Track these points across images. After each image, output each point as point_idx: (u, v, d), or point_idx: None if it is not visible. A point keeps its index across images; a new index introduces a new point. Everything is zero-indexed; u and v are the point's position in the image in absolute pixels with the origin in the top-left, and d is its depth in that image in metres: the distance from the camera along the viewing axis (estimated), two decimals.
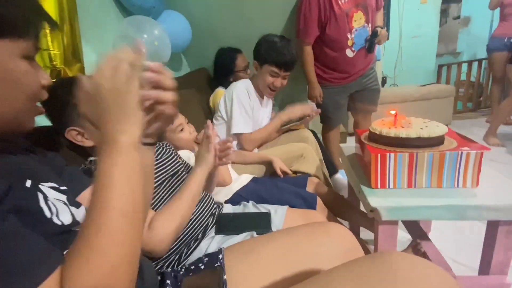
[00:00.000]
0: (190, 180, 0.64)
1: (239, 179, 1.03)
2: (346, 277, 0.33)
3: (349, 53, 1.40)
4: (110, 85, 0.31)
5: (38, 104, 0.39)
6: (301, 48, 1.39)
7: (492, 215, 0.64)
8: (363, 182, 0.76)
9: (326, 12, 1.31)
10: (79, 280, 0.26)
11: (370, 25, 1.40)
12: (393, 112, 0.78)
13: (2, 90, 0.32)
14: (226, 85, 1.49)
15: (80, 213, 0.40)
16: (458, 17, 3.82)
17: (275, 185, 0.97)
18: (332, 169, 1.40)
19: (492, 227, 0.68)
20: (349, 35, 1.36)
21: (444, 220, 0.98)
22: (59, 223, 0.36)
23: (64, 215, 0.37)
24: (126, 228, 0.29)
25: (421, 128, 0.72)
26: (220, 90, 1.52)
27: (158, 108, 0.36)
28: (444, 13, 4.24)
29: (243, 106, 1.17)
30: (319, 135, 1.58)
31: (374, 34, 1.38)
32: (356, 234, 1.05)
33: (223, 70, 1.56)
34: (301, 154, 1.12)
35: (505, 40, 2.33)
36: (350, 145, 1.05)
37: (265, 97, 1.32)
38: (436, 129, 0.72)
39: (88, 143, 0.61)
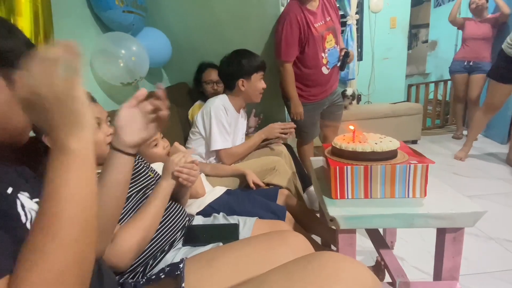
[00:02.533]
0: (155, 194, 0.66)
1: (213, 191, 1.05)
2: (280, 276, 0.36)
3: (324, 70, 1.54)
4: (48, 93, 0.28)
5: None
6: (282, 67, 1.48)
7: (438, 223, 0.70)
8: (326, 193, 0.81)
9: (305, 33, 1.43)
10: (26, 285, 0.26)
11: (338, 46, 1.57)
12: (351, 127, 0.85)
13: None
14: (202, 98, 1.56)
15: None
16: (426, 41, 4.16)
17: (247, 197, 1.00)
18: (307, 182, 1.45)
19: (441, 234, 0.74)
20: (323, 55, 1.51)
21: (395, 227, 1.04)
22: None
23: None
24: (75, 235, 0.29)
25: (376, 143, 0.78)
26: (198, 104, 1.56)
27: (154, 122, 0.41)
28: (414, 37, 4.60)
29: (221, 123, 1.22)
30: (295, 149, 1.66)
31: (346, 54, 1.56)
32: (329, 247, 1.09)
33: (195, 82, 1.70)
34: (273, 167, 1.16)
35: (465, 63, 2.56)
36: (319, 159, 1.11)
37: (241, 110, 1.38)
38: (389, 144, 0.78)
39: None
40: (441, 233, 0.74)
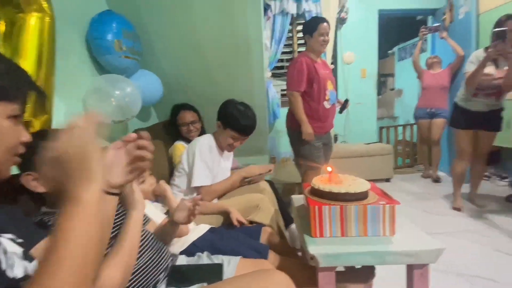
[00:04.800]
0: (127, 226, 0.64)
1: (197, 229, 1.07)
2: None
3: (326, 105, 1.80)
4: (75, 154, 0.34)
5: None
6: (293, 96, 1.74)
7: (406, 260, 0.77)
8: (306, 232, 0.87)
9: (313, 73, 1.72)
10: None
11: (335, 90, 1.88)
12: (329, 169, 0.94)
13: None
14: (182, 139, 1.61)
15: (32, 267, 0.41)
16: (393, 89, 4.66)
17: (231, 236, 1.02)
18: (289, 219, 1.49)
19: (410, 271, 0.81)
20: (326, 92, 1.78)
21: (370, 264, 1.08)
22: (11, 276, 0.37)
23: (18, 269, 0.38)
24: (76, 275, 0.30)
25: (350, 185, 0.87)
26: (177, 144, 1.61)
27: (138, 164, 0.43)
28: (383, 84, 5.15)
29: (205, 161, 1.27)
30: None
31: (346, 101, 1.98)
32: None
33: (171, 124, 1.73)
34: (257, 204, 1.21)
35: (427, 110, 2.89)
36: (300, 197, 1.18)
37: (225, 151, 1.45)
38: (361, 185, 0.88)
39: (40, 189, 0.62)
40: (410, 269, 0.81)
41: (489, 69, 1.72)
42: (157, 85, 1.64)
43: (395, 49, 4.96)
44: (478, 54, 1.81)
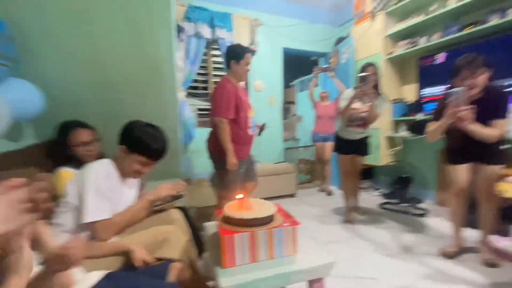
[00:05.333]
0: None
1: (86, 279, 0.87)
2: None
3: (249, 132, 1.88)
4: None
5: None
6: (222, 124, 1.72)
7: (307, 277, 0.85)
8: (218, 263, 0.84)
9: (238, 101, 1.77)
10: None
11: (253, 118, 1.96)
12: (240, 196, 0.96)
13: None
14: (71, 164, 1.34)
15: None
16: (295, 115, 5.35)
17: (131, 281, 0.88)
18: (203, 246, 1.42)
19: (310, 285, 0.90)
20: (249, 120, 1.85)
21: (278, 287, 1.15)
22: None
23: None
24: None
25: (258, 210, 0.92)
26: (62, 171, 1.30)
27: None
28: (287, 110, 5.85)
29: (100, 190, 1.06)
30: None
31: (264, 125, 2.14)
32: None
33: (57, 145, 1.39)
34: (164, 238, 1.10)
35: (321, 135, 3.43)
36: (214, 223, 1.15)
37: (128, 179, 1.27)
38: (268, 209, 0.93)
39: None
40: (311, 284, 0.90)
41: (357, 105, 2.10)
42: (34, 97, 1.31)
43: (296, 81, 5.77)
44: (348, 92, 2.17)
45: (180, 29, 2.85)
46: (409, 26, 2.74)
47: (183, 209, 1.43)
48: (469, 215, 1.77)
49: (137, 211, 1.19)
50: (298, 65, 5.45)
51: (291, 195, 3.29)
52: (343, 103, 2.13)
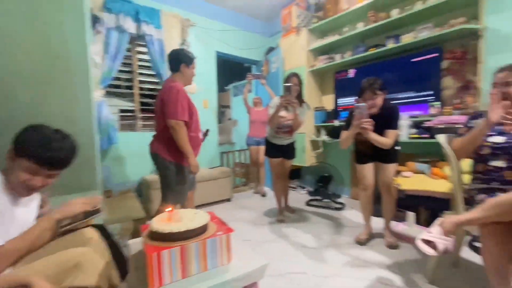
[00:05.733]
0: None
1: None
2: None
3: (200, 136, 1.90)
4: None
5: None
6: (179, 126, 1.64)
7: (241, 284, 0.85)
8: (144, 284, 0.75)
9: (190, 104, 1.74)
10: None
11: None
12: (169, 209, 0.90)
13: None
14: None
15: None
16: (230, 119, 5.40)
17: None
18: (127, 267, 1.26)
19: None
20: (199, 124, 1.88)
21: None
22: None
23: None
24: None
25: (190, 220, 0.87)
26: None
27: None
28: (222, 114, 5.84)
29: None
30: None
31: (207, 130, 2.27)
32: None
33: None
34: (76, 263, 0.92)
35: (255, 138, 3.54)
36: (139, 241, 1.03)
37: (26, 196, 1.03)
38: (201, 219, 0.90)
39: None
40: None
41: (283, 113, 2.21)
42: None
43: (231, 86, 5.83)
44: (275, 101, 2.24)
45: (95, 19, 2.52)
46: (327, 44, 3.11)
47: (100, 227, 1.24)
48: (375, 206, 2.10)
49: (38, 233, 0.96)
50: (232, 70, 5.53)
51: (228, 200, 3.29)
52: (271, 111, 2.24)
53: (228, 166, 3.88)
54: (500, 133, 1.28)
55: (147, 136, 3.05)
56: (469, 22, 2.10)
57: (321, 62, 3.21)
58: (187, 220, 0.86)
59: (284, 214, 2.58)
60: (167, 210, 0.87)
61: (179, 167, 1.74)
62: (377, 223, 2.19)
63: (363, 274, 1.60)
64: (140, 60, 3.04)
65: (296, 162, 3.17)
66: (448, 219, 1.18)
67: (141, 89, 3.08)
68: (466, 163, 1.46)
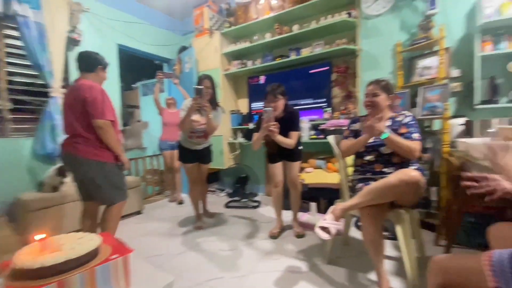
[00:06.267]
0: None
1: None
2: None
3: (120, 137, 1.80)
4: None
5: None
6: (108, 126, 1.61)
7: None
8: None
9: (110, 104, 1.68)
10: None
11: None
12: (41, 236, 0.71)
13: None
14: None
15: None
16: (140, 121, 4.88)
17: None
18: None
19: None
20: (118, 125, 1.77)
21: None
22: None
23: None
24: None
25: (72, 247, 0.71)
26: None
27: None
28: (130, 115, 5.22)
29: None
30: None
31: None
32: None
33: None
34: None
35: (169, 142, 3.31)
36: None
37: None
38: (89, 243, 0.75)
39: None
40: None
41: (196, 117, 2.12)
42: None
43: (139, 84, 5.29)
44: (187, 103, 2.13)
45: None
46: (239, 49, 3.22)
47: None
48: (286, 200, 2.31)
49: None
50: (141, 67, 5.02)
51: (138, 212, 2.95)
52: (182, 114, 2.13)
53: (138, 175, 3.49)
54: None
55: (22, 143, 2.41)
56: (349, 43, 2.58)
57: (235, 67, 3.30)
58: (68, 248, 0.70)
59: (202, 220, 2.51)
60: (37, 238, 0.68)
61: (112, 165, 1.71)
62: (288, 216, 2.40)
63: (275, 266, 1.72)
64: (9, 46, 2.38)
65: (214, 165, 3.14)
66: (337, 206, 1.40)
67: (11, 83, 2.40)
68: (350, 158, 1.77)
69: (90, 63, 1.72)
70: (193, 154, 2.32)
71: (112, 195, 1.72)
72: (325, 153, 2.75)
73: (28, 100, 2.51)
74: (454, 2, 2.19)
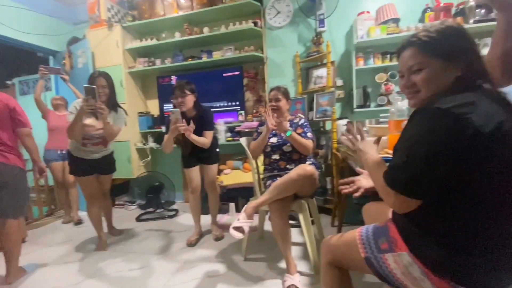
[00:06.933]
0: None
1: None
2: None
3: None
4: None
5: None
6: (30, 133, 1.77)
7: None
8: None
9: None
10: None
11: None
12: None
13: None
14: None
15: None
16: None
17: None
18: None
19: None
20: None
21: None
22: None
23: None
24: None
25: None
26: None
27: None
28: None
29: None
30: None
31: None
32: None
33: None
34: None
35: (58, 152, 2.74)
36: None
37: None
38: None
39: None
40: None
41: (90, 121, 1.84)
42: None
43: (16, 80, 4.21)
44: (76, 105, 1.82)
45: None
46: (145, 46, 2.97)
47: None
48: (204, 204, 2.27)
49: None
50: (19, 60, 4.00)
51: (23, 241, 2.31)
52: (71, 118, 1.79)
53: None
54: (275, 135, 1.77)
55: None
56: (257, 51, 2.76)
57: (141, 65, 3.03)
58: None
59: (105, 240, 2.17)
60: None
61: (24, 172, 1.78)
62: (208, 220, 2.37)
63: (193, 274, 1.67)
64: None
65: (120, 175, 2.79)
66: (249, 205, 1.47)
67: None
68: (261, 158, 1.90)
69: None
70: (89, 165, 1.98)
71: (21, 206, 1.78)
72: (242, 154, 2.86)
73: None
74: (337, 22, 2.65)
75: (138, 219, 2.77)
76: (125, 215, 2.95)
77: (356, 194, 1.00)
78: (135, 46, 2.98)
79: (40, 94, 2.70)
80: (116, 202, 3.31)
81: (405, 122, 0.72)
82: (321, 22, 2.58)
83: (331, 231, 2.09)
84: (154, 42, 2.94)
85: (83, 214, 2.91)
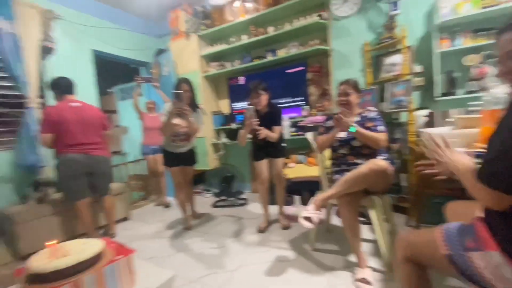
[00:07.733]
0: None
1: None
2: None
3: None
4: None
5: None
6: None
7: None
8: None
9: None
10: None
11: None
12: (52, 243, 0.76)
13: None
14: None
15: None
16: (118, 126, 4.78)
17: None
18: None
19: None
20: None
21: None
22: None
23: None
24: None
25: (80, 251, 0.77)
26: None
27: None
28: (108, 120, 5.08)
29: None
30: None
31: None
32: None
33: None
34: None
35: (151, 147, 3.31)
36: None
37: None
38: (94, 247, 0.81)
39: None
40: None
41: (177, 121, 2.16)
42: None
43: (116, 88, 5.17)
44: (167, 108, 2.15)
45: None
46: (217, 51, 3.28)
47: None
48: (271, 196, 2.43)
49: None
50: (116, 72, 4.91)
51: (125, 219, 2.94)
52: (163, 119, 2.16)
53: (121, 181, 3.45)
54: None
55: (1, 156, 2.32)
56: (321, 44, 2.73)
57: (214, 69, 3.36)
58: (75, 253, 0.76)
59: (190, 222, 2.56)
60: (49, 244, 0.74)
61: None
62: (274, 210, 2.52)
63: (265, 258, 1.83)
64: None
65: (199, 166, 3.19)
66: (317, 197, 1.53)
67: None
68: (328, 152, 1.92)
69: (71, 86, 2.24)
70: (177, 157, 2.37)
71: (109, 187, 2.47)
72: (305, 148, 2.90)
73: (4, 112, 2.43)
74: (414, 3, 2.40)
75: (214, 205, 3.13)
76: (202, 201, 3.36)
77: (437, 176, 0.95)
78: (208, 52, 3.32)
79: (136, 100, 3.31)
80: (194, 190, 3.79)
81: (502, 112, 0.67)
82: (394, 4, 2.38)
83: (406, 231, 1.97)
84: (224, 46, 3.22)
85: (170, 199, 3.45)
